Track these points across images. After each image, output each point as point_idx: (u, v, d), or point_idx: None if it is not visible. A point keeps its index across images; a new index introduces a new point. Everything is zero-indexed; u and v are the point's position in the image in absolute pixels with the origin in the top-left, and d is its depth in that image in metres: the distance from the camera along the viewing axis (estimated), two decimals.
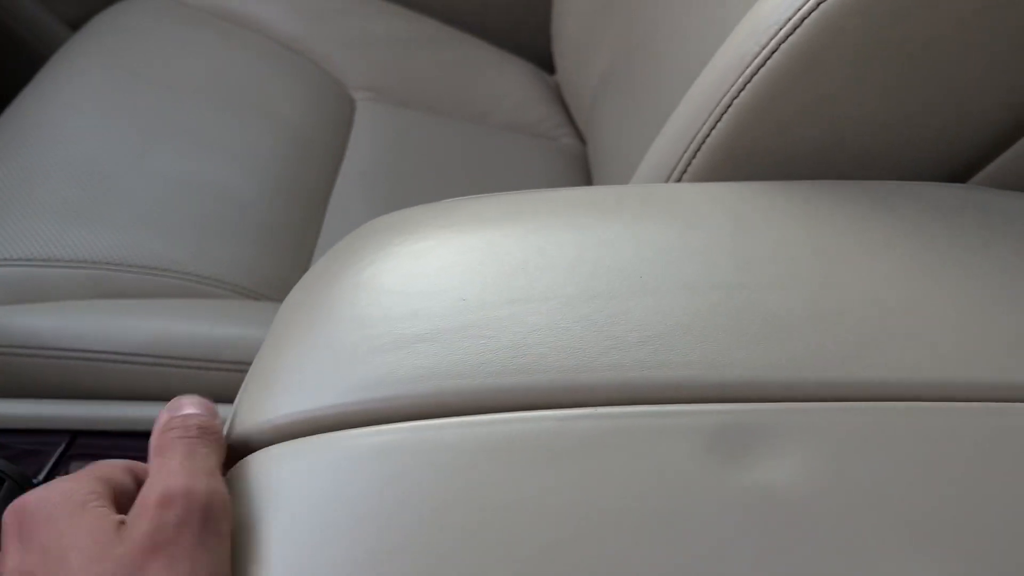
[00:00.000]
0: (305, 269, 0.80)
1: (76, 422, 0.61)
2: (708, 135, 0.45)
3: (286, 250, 0.81)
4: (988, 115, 0.45)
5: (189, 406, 0.34)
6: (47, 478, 0.56)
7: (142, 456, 0.60)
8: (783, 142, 0.44)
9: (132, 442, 0.61)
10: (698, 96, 0.46)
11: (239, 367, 0.66)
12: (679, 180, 0.46)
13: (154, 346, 0.64)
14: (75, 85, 0.88)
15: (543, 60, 1.13)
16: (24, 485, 0.52)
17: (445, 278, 0.36)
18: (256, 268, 0.77)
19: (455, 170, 0.95)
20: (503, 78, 1.08)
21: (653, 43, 0.79)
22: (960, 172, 0.47)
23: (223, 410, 0.67)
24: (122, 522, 0.29)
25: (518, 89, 1.07)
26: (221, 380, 0.65)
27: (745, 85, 0.43)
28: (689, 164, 0.46)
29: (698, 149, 0.45)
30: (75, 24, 1.05)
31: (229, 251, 0.76)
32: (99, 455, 0.63)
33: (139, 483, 0.31)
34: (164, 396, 0.70)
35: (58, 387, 0.64)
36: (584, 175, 1.00)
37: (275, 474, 0.31)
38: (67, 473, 0.56)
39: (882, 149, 0.45)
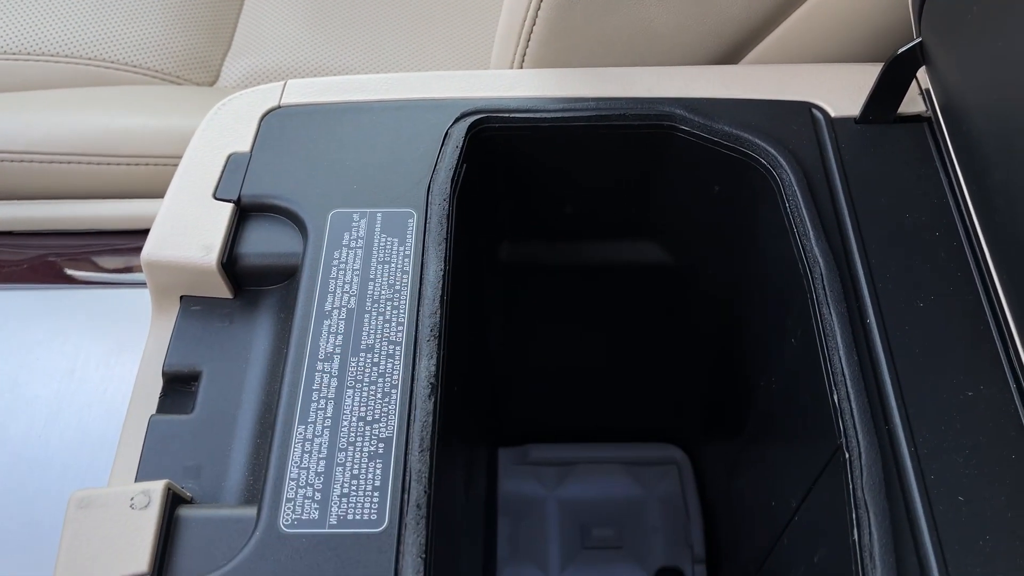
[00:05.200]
0: (227, 44, 0.77)
1: None
2: (531, 30, 0.50)
3: (203, 25, 0.77)
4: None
5: None
6: None
7: (52, 256, 0.61)
8: (595, 31, 0.50)
9: (42, 241, 0.63)
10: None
11: (148, 160, 0.65)
12: (520, 66, 0.47)
13: (59, 142, 0.63)
14: None
15: None
16: None
17: None
18: (170, 47, 0.74)
19: None
20: None
21: None
22: (731, 55, 0.53)
23: (125, 206, 0.68)
24: None
25: None
26: (130, 174, 0.65)
27: None
28: (524, 53, 0.51)
29: (528, 39, 0.51)
30: None
31: (138, 30, 0.73)
32: (9, 257, 0.65)
33: None
34: (71, 194, 0.71)
35: None
36: None
37: None
38: None
39: (669, 34, 0.51)
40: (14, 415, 0.51)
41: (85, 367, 0.53)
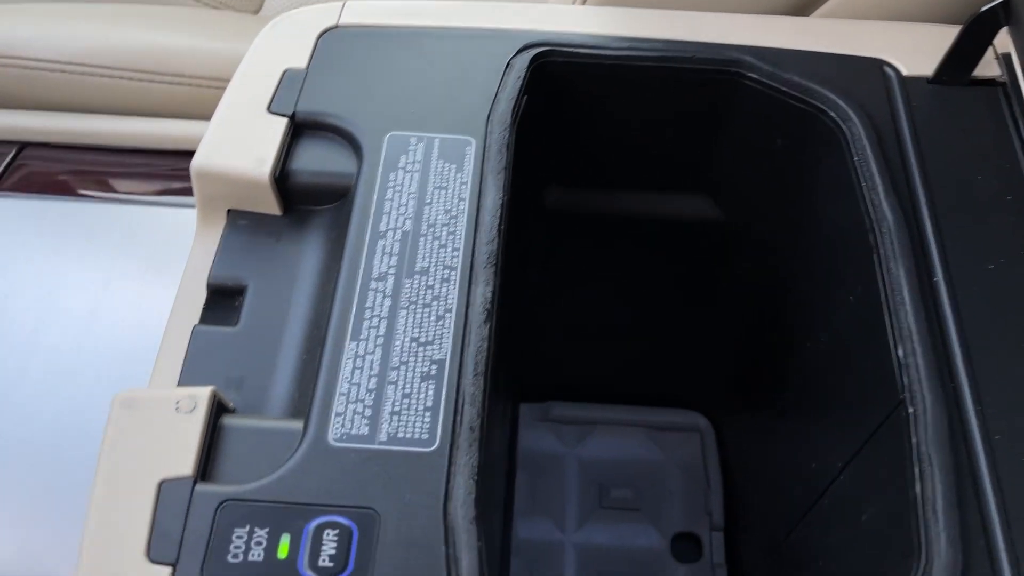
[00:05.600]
0: None
1: (23, 132, 0.62)
2: None
3: None
4: None
5: None
6: None
7: (88, 170, 0.60)
8: None
9: (78, 155, 0.62)
10: None
11: (189, 80, 0.64)
12: (583, 3, 0.46)
13: (99, 55, 0.62)
14: None
15: None
16: None
17: None
18: None
19: None
20: None
21: None
22: (802, 7, 0.52)
23: (164, 125, 0.67)
24: None
25: None
26: (168, 93, 0.64)
27: None
28: None
29: None
30: None
31: None
32: (45, 168, 0.64)
33: None
34: (109, 109, 0.70)
35: (1, 96, 0.63)
36: None
37: None
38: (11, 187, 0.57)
39: None
40: (47, 326, 0.50)
41: (121, 281, 0.52)
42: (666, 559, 0.68)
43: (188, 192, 0.58)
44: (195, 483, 0.34)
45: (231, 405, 0.37)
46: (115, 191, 0.59)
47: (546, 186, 0.56)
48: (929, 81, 0.46)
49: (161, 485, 0.34)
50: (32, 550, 0.44)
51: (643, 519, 0.69)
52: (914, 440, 0.35)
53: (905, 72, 0.46)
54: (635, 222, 0.57)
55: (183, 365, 0.40)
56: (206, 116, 0.63)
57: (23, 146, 0.61)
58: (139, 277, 0.52)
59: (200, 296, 0.42)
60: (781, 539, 0.53)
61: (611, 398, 0.74)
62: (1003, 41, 0.46)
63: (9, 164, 0.60)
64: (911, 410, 0.36)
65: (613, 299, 0.64)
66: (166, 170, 0.61)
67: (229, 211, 0.44)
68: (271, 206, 0.44)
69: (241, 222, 0.44)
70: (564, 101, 0.49)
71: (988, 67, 0.47)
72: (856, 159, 0.43)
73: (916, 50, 0.47)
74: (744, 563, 0.64)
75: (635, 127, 0.51)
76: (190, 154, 0.62)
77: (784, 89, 0.46)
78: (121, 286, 0.52)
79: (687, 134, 0.51)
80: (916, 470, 0.34)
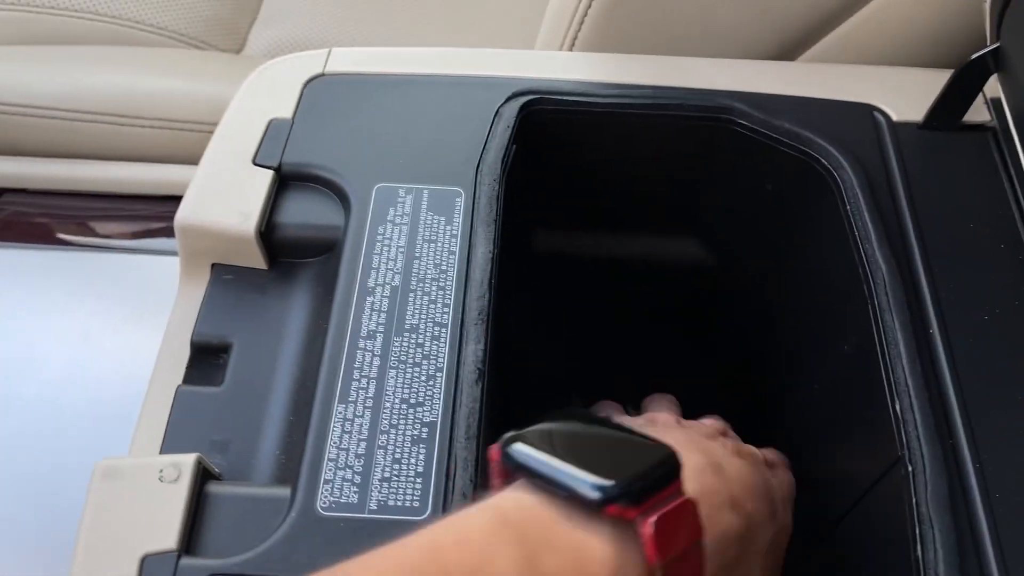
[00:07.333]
0: (255, 12, 0.75)
1: (1, 178, 0.60)
2: (587, 12, 0.49)
3: None
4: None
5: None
6: None
7: (68, 216, 0.59)
8: (651, 18, 0.49)
9: (59, 201, 0.61)
10: None
11: (171, 124, 0.63)
12: (570, 49, 0.46)
13: (79, 99, 0.61)
14: None
15: None
16: None
17: None
18: (197, 12, 0.72)
19: None
20: None
21: None
22: (788, 52, 0.52)
23: (147, 170, 0.66)
24: None
25: None
26: (151, 138, 0.63)
27: None
28: (576, 36, 0.50)
29: (582, 22, 0.49)
30: None
31: None
32: (23, 214, 0.63)
33: None
34: (90, 154, 0.69)
35: None
36: None
37: None
38: None
39: (727, 26, 0.50)
40: (25, 379, 0.49)
41: (101, 333, 0.51)
42: None
43: (172, 236, 0.57)
44: (179, 557, 0.33)
45: (216, 471, 0.36)
46: (96, 237, 0.58)
47: (534, 229, 0.55)
48: (919, 127, 0.46)
49: (144, 560, 0.33)
50: None
51: None
52: (913, 501, 0.34)
53: (895, 118, 0.46)
54: (624, 265, 0.56)
55: (166, 428, 0.39)
56: (189, 160, 0.62)
57: (1, 192, 0.60)
58: (120, 328, 0.51)
59: (184, 354, 0.41)
60: None
61: None
62: (992, 86, 0.46)
63: None
64: (910, 468, 0.35)
65: (599, 341, 0.63)
66: (149, 215, 0.60)
67: (213, 265, 0.43)
68: (256, 260, 0.43)
69: (226, 276, 0.43)
70: (553, 147, 0.49)
71: (977, 112, 0.47)
72: (849, 207, 0.43)
73: (905, 95, 0.47)
74: None
75: (625, 172, 0.51)
76: (174, 199, 0.61)
77: (775, 136, 0.45)
78: (101, 337, 0.51)
79: (677, 179, 0.51)
80: (916, 532, 0.34)
